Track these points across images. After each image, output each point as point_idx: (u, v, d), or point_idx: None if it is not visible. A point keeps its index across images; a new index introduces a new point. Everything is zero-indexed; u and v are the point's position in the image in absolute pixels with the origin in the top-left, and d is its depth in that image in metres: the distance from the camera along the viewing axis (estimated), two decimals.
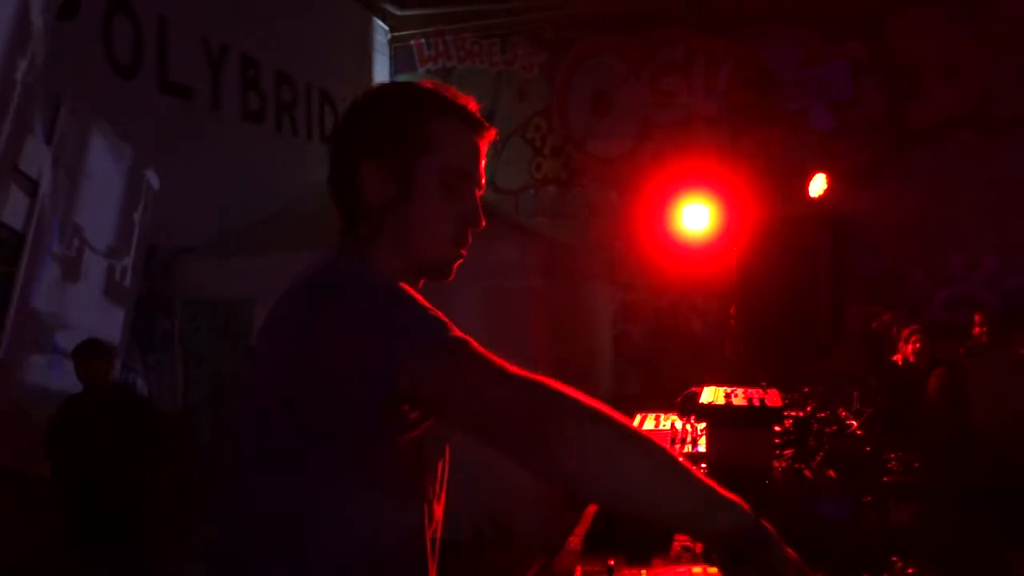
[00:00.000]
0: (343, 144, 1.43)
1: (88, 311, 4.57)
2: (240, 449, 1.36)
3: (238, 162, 5.66)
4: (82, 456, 3.66)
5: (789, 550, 1.12)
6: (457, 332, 1.19)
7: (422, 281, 1.45)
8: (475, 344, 1.18)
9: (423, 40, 8.39)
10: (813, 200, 6.15)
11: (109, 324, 4.68)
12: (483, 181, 1.45)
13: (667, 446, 1.14)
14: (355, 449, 1.25)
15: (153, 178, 4.99)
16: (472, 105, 1.42)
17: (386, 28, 8.33)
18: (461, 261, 1.44)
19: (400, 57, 8.41)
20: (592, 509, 2.02)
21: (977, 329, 5.82)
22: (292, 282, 1.38)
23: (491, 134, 1.44)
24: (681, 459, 1.13)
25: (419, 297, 1.26)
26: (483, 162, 1.45)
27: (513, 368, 1.15)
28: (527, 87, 8.12)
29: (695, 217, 5.96)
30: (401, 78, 8.28)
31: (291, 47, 6.57)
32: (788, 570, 1.10)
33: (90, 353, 3.78)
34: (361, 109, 1.43)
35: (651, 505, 1.13)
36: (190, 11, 5.41)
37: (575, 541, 1.85)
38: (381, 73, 8.20)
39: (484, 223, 1.42)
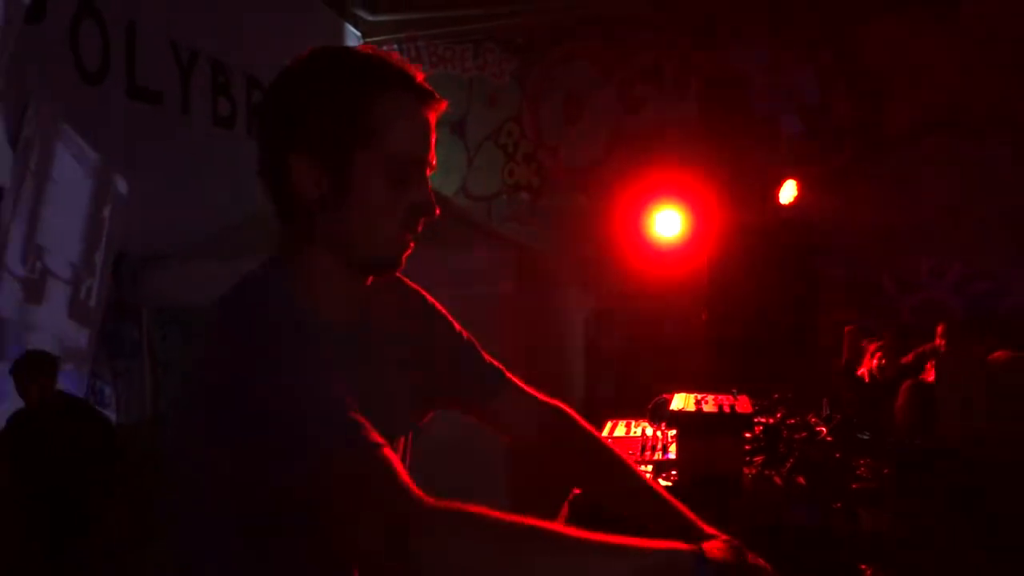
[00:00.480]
0: (266, 133, 1.23)
1: (55, 320, 4.51)
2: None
3: (208, 168, 5.61)
4: (32, 470, 3.59)
5: (758, 559, 1.09)
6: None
7: (370, 278, 1.30)
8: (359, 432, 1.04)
9: (395, 45, 8.37)
10: (784, 206, 6.20)
11: (76, 336, 4.62)
12: (434, 159, 1.26)
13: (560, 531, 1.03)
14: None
15: (121, 184, 4.93)
16: (419, 75, 1.23)
17: (358, 34, 8.30)
18: (411, 251, 1.25)
19: None
20: (568, 500, 2.01)
21: (939, 340, 5.89)
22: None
23: (442, 105, 1.25)
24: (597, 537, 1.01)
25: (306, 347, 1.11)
26: (434, 137, 1.25)
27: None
28: (499, 94, 8.12)
29: (667, 223, 5.99)
30: None
31: (262, 52, 6.52)
32: None
33: (26, 369, 3.63)
34: (285, 89, 1.22)
35: None
36: (159, 16, 5.35)
37: None
38: None
39: (438, 211, 1.24)
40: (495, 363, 1.53)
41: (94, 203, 4.80)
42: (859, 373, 5.33)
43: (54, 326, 4.49)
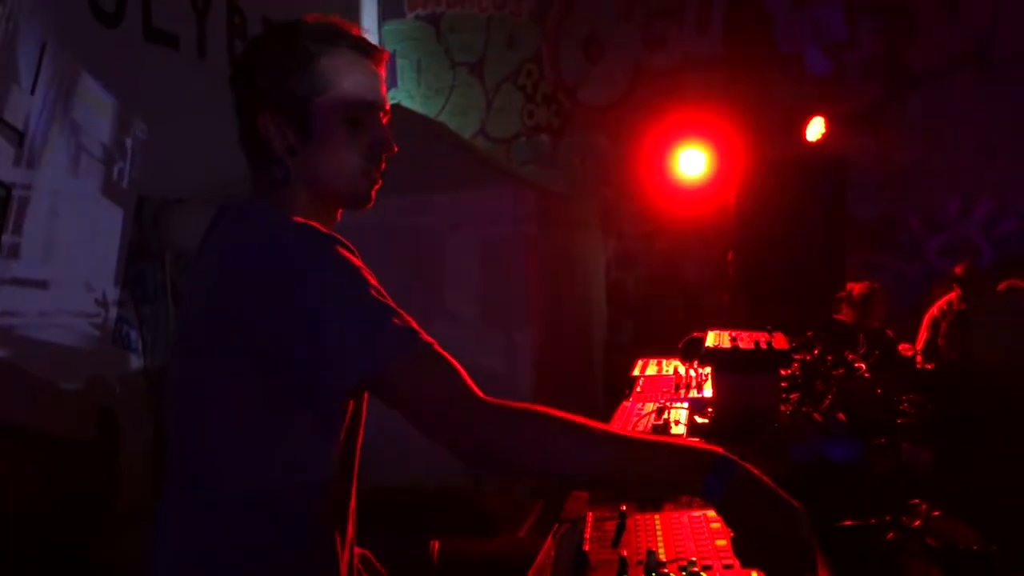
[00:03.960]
0: (238, 103, 1.44)
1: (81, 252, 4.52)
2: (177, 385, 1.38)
3: (226, 111, 5.53)
4: None
5: (764, 477, 1.14)
6: (412, 324, 1.23)
7: (340, 212, 1.48)
8: (434, 344, 1.22)
9: None
10: (811, 144, 6.09)
11: (103, 271, 4.64)
12: (387, 105, 1.45)
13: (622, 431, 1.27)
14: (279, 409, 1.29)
15: (140, 128, 4.89)
16: (356, 31, 1.42)
17: None
18: (379, 184, 1.45)
19: (388, 2, 8.23)
20: None
21: (956, 288, 5.85)
22: (207, 235, 1.39)
23: (385, 55, 1.45)
24: (631, 434, 1.26)
25: (360, 265, 1.26)
26: (384, 87, 1.44)
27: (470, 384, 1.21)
28: (517, 33, 7.96)
29: (691, 162, 5.90)
30: (389, 24, 8.14)
31: None
32: (776, 507, 1.11)
33: None
34: (246, 64, 1.42)
35: (612, 481, 1.24)
36: None
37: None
38: (369, 19, 8.03)
39: (396, 148, 1.42)
40: None
41: (114, 146, 4.77)
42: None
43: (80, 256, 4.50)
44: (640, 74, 7.54)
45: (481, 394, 1.20)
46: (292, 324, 1.21)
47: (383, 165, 1.44)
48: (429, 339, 1.22)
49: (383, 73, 1.45)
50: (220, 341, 1.27)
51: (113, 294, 4.68)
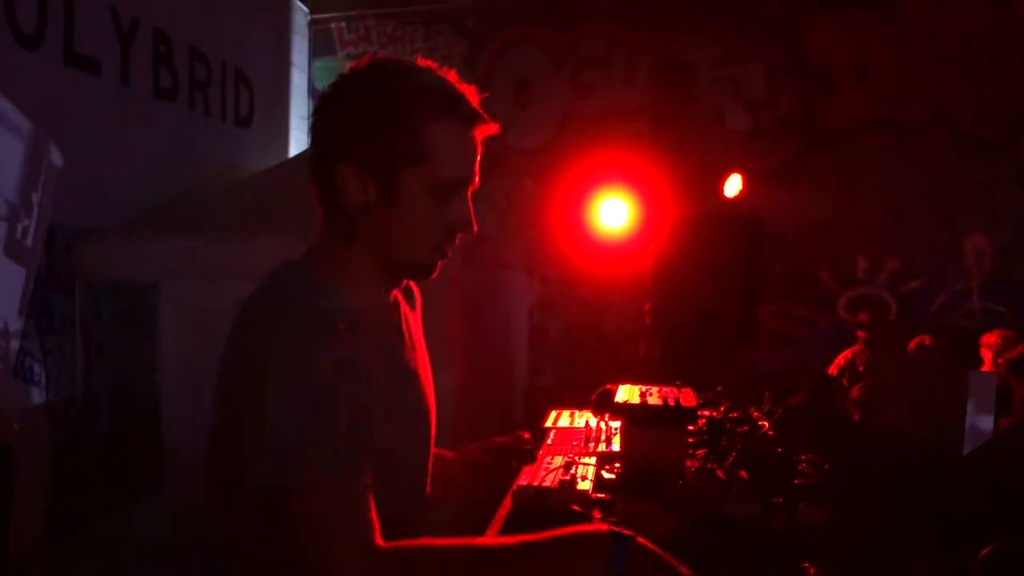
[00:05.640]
0: (320, 136, 1.30)
1: None
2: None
3: (148, 141, 5.44)
4: None
5: (683, 568, 1.14)
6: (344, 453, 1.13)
7: (404, 281, 1.42)
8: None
9: (344, 23, 8.23)
10: (729, 199, 6.27)
11: (5, 300, 4.47)
12: (477, 179, 1.35)
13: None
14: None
15: (56, 155, 4.76)
16: (474, 97, 1.32)
17: (305, 9, 8.14)
18: (446, 261, 1.36)
19: (319, 40, 8.22)
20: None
21: (860, 333, 6.07)
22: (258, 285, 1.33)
23: (491, 128, 1.35)
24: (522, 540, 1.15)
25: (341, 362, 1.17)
26: (479, 158, 1.34)
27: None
28: None
29: (613, 212, 6.00)
30: (320, 62, 8.13)
31: (205, 23, 6.35)
32: (662, 563, 1.12)
33: None
34: (339, 103, 1.28)
35: None
36: None
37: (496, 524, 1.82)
38: (300, 55, 8.02)
39: (476, 228, 1.33)
40: None
41: (27, 172, 4.63)
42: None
43: None
44: (568, 120, 7.68)
45: (379, 541, 1.11)
46: (239, 412, 1.19)
47: (457, 243, 1.34)
48: (352, 475, 1.13)
49: (480, 140, 1.35)
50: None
51: (16, 324, 4.52)
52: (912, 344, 5.56)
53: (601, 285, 7.25)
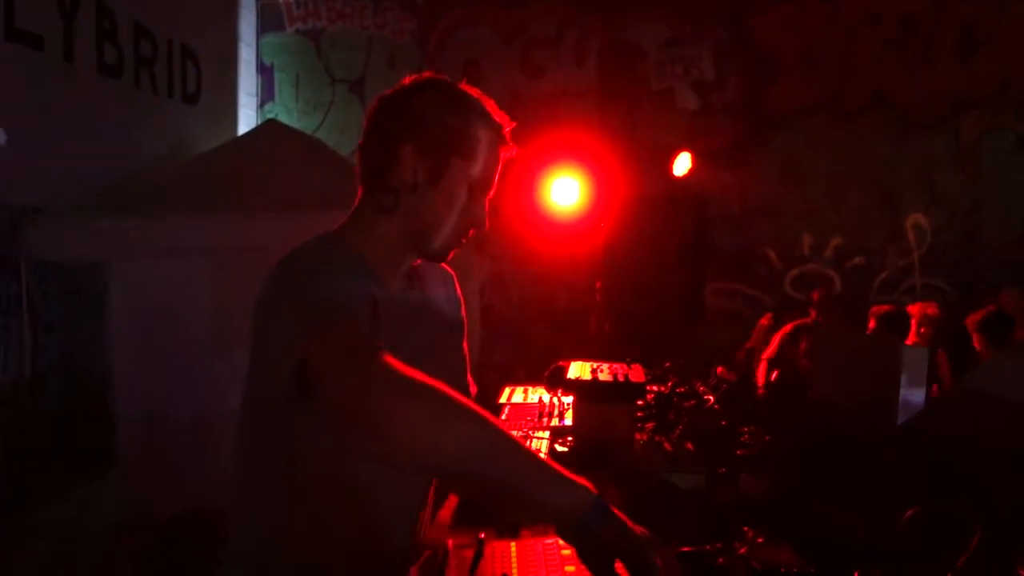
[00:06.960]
0: (385, 123, 1.54)
1: None
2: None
3: (93, 119, 5.35)
4: None
5: (638, 527, 1.19)
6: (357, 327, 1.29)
7: (418, 260, 1.62)
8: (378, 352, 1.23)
9: None
10: (678, 178, 6.37)
11: None
12: (494, 190, 1.60)
13: (502, 425, 1.22)
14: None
15: (0, 134, 4.67)
16: (508, 123, 1.58)
17: None
18: (457, 251, 1.60)
19: (268, 14, 8.10)
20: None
21: (813, 312, 6.21)
22: None
23: (514, 152, 1.61)
24: (518, 437, 1.22)
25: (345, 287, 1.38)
26: (499, 173, 1.60)
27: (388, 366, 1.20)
28: (398, 54, 8.00)
29: (564, 191, 6.06)
30: (268, 37, 8.03)
31: None
32: (634, 545, 1.16)
33: None
34: (411, 95, 1.54)
35: (485, 476, 1.16)
36: None
37: (445, 514, 1.89)
38: (247, 30, 7.90)
39: (487, 226, 1.59)
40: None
41: None
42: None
43: None
44: (518, 100, 7.70)
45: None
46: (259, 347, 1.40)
47: (470, 236, 1.59)
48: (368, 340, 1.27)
49: (503, 161, 1.60)
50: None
51: None
52: (873, 313, 5.68)
53: (552, 263, 7.32)
